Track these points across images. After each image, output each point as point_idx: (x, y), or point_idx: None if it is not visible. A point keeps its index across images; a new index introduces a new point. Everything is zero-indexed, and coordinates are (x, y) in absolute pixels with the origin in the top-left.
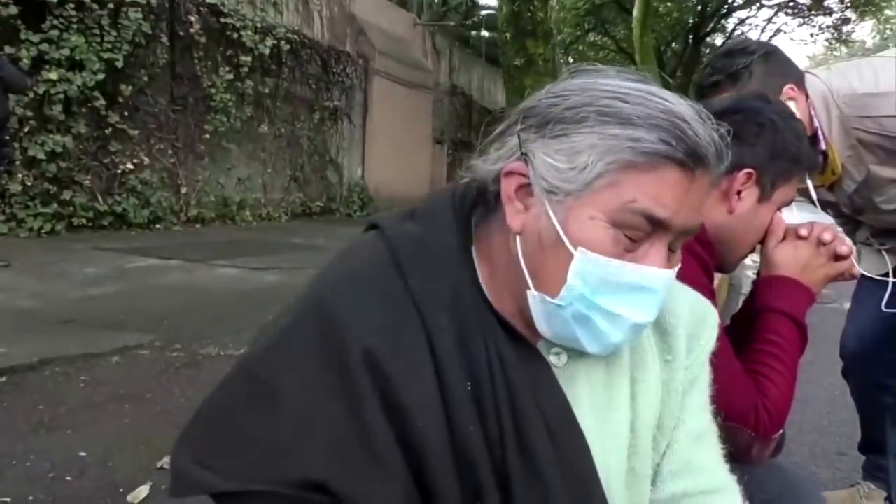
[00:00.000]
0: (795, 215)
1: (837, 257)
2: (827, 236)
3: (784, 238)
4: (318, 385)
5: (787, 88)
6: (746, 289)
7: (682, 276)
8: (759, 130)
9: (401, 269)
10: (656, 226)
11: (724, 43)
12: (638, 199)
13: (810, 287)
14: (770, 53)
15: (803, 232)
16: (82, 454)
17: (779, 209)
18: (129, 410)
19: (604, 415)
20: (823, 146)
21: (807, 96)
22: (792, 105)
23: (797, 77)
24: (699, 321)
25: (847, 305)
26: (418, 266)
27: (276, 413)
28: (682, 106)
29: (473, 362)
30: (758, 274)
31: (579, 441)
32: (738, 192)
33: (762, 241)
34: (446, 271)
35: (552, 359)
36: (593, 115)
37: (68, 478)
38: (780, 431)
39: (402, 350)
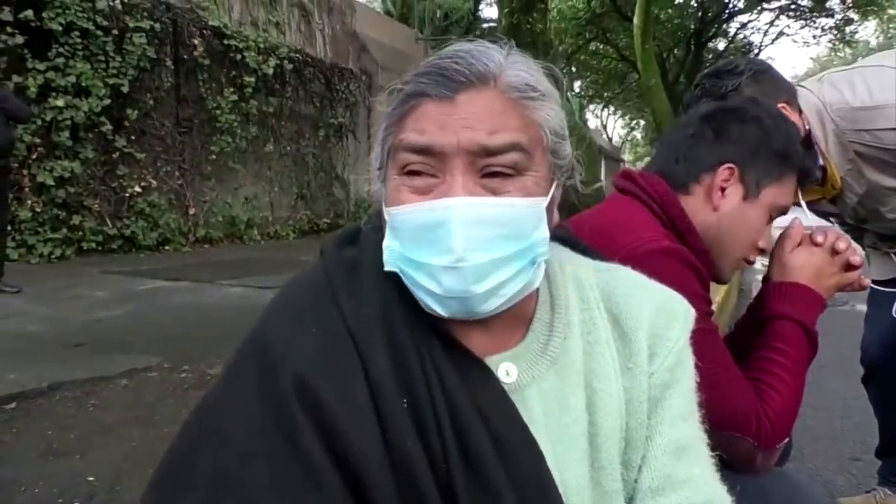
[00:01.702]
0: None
1: (849, 267)
2: (842, 245)
3: (800, 243)
4: (258, 417)
5: (778, 107)
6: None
7: (674, 284)
8: (741, 127)
9: (335, 294)
10: (429, 155)
11: (726, 48)
12: (403, 138)
13: (821, 294)
14: (760, 73)
15: (819, 239)
16: (90, 479)
17: (772, 214)
18: (137, 433)
19: (558, 428)
20: (821, 161)
21: (800, 111)
22: None
23: (789, 94)
24: (666, 319)
25: (859, 307)
26: (350, 289)
27: (220, 449)
28: (451, 48)
29: (409, 380)
30: (765, 278)
31: (532, 452)
32: (722, 189)
33: (777, 245)
34: (377, 292)
35: (500, 373)
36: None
37: (76, 503)
38: (785, 440)
39: (335, 375)
